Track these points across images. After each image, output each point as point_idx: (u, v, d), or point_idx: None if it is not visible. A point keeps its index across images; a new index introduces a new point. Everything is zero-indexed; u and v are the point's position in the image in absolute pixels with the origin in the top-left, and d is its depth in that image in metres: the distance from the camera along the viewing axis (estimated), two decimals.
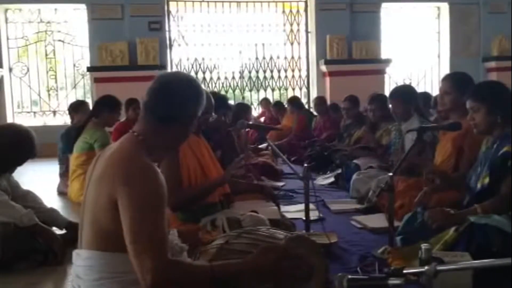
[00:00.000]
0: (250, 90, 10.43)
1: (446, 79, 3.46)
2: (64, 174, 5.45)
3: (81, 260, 1.73)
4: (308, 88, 10.35)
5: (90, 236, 1.71)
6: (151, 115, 1.78)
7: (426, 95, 6.39)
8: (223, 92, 9.89)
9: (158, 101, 1.77)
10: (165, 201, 1.65)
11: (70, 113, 6.00)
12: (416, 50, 10.59)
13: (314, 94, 9.89)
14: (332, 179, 5.39)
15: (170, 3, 9.66)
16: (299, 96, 10.11)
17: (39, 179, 5.73)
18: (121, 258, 1.63)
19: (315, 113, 8.37)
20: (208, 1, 9.85)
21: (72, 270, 1.83)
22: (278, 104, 9.06)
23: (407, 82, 10.09)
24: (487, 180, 2.64)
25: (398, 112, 4.24)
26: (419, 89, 8.30)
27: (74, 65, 9.74)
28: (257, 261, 1.68)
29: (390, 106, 4.51)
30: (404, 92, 4.32)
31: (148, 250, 1.52)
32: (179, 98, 1.78)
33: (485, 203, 2.53)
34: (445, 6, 10.43)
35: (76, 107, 5.84)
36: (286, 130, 7.95)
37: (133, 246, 1.54)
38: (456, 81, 3.33)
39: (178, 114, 1.79)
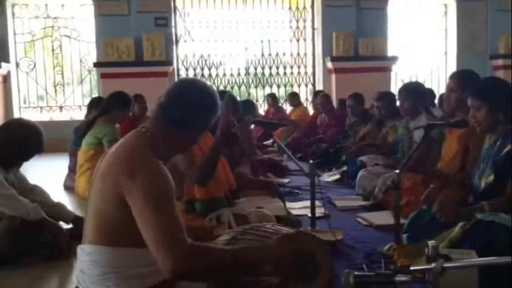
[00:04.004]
0: (256, 87, 10.42)
1: (453, 76, 3.45)
2: (71, 168, 5.47)
3: (85, 255, 1.74)
4: (313, 85, 10.32)
5: (94, 230, 1.72)
6: (164, 117, 1.80)
7: (430, 92, 6.39)
8: (228, 89, 9.91)
9: (174, 105, 1.80)
10: (173, 190, 1.66)
11: (88, 108, 5.99)
12: (423, 48, 10.55)
13: None
14: (337, 176, 5.38)
15: None
16: (304, 93, 10.13)
17: (46, 174, 5.75)
18: (125, 252, 1.65)
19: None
20: None
21: (77, 265, 1.84)
22: (293, 95, 9.23)
23: (414, 80, 10.05)
24: (491, 179, 2.62)
25: (406, 107, 4.24)
26: (426, 86, 8.26)
27: (81, 61, 9.77)
28: (277, 250, 1.68)
29: (398, 102, 4.52)
30: (414, 88, 4.38)
31: (165, 240, 1.52)
32: (195, 106, 1.80)
33: (493, 201, 2.52)
34: (452, 4, 10.38)
35: (98, 103, 5.71)
36: (293, 126, 7.96)
37: (151, 239, 1.54)
38: (462, 78, 3.32)
39: (191, 121, 1.81)
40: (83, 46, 9.72)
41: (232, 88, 10.09)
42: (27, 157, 3.28)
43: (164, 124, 1.79)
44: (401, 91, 4.41)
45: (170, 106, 1.80)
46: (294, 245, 1.72)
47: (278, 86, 10.38)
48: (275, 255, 1.68)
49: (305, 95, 10.26)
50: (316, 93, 8.88)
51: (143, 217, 1.57)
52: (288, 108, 9.58)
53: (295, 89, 10.33)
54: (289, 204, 3.87)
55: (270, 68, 10.28)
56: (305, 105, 9.74)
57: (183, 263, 1.50)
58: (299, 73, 10.36)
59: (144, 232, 1.56)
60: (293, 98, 9.25)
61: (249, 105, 6.11)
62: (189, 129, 1.83)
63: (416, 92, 4.26)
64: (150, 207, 1.56)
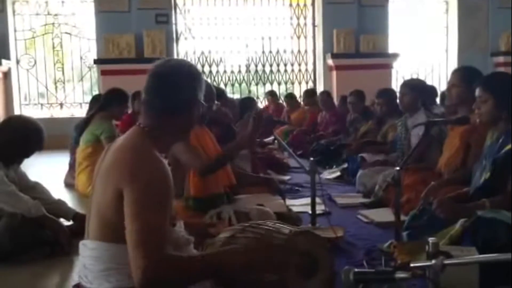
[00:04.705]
0: (256, 84, 10.41)
1: (455, 72, 3.46)
2: (72, 165, 5.47)
3: (88, 251, 1.75)
4: (314, 82, 10.31)
5: (96, 227, 1.73)
6: (151, 111, 1.78)
7: (432, 89, 6.38)
8: (229, 86, 9.92)
9: (154, 96, 1.78)
10: (170, 194, 1.65)
11: (90, 105, 5.98)
12: (424, 45, 10.53)
13: (320, 88, 9.86)
14: (338, 173, 5.38)
15: None
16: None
17: (47, 171, 5.75)
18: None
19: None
20: None
21: (79, 261, 1.84)
22: (290, 96, 9.13)
23: (415, 77, 10.03)
24: (489, 175, 2.62)
25: (405, 101, 4.24)
26: (428, 84, 8.25)
27: (81, 58, 9.76)
28: (250, 253, 1.70)
29: (398, 96, 4.56)
30: (416, 84, 4.41)
31: (141, 247, 1.52)
32: (173, 88, 1.77)
33: (495, 199, 2.51)
34: (453, 1, 10.36)
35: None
36: (295, 124, 7.96)
37: (129, 241, 1.56)
38: (464, 74, 3.31)
39: (177, 103, 1.78)
40: (83, 43, 9.71)
41: (232, 85, 10.09)
42: (27, 154, 3.28)
43: (155, 117, 1.77)
44: (402, 85, 4.45)
45: (151, 100, 1.78)
46: (273, 250, 1.75)
47: (279, 83, 10.37)
48: (247, 258, 1.68)
49: None
50: (306, 92, 8.81)
51: (128, 222, 1.58)
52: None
53: (296, 86, 10.31)
54: (289, 201, 3.87)
55: (271, 65, 10.26)
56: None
57: (150, 278, 1.50)
58: (299, 70, 10.34)
59: (128, 234, 1.57)
60: (290, 99, 9.05)
61: (250, 102, 6.11)
62: (179, 112, 1.79)
63: (417, 87, 4.27)
64: (139, 214, 1.57)
